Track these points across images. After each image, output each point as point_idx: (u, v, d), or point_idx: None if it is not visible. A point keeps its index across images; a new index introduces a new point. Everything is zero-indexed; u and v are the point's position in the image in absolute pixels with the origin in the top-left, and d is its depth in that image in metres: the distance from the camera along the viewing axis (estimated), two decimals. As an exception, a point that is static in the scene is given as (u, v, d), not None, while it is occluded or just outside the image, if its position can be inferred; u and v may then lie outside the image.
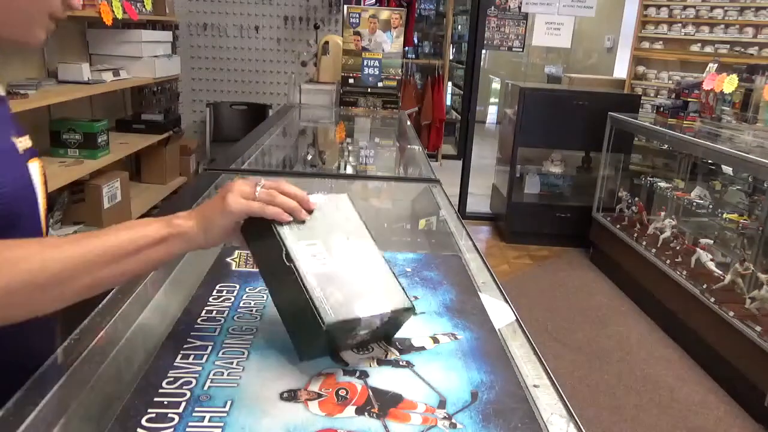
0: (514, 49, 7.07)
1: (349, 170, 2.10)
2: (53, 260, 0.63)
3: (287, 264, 0.71)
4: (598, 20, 6.25)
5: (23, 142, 0.78)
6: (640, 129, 4.02)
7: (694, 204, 3.44)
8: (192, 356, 0.71)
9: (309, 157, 2.45)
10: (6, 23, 0.70)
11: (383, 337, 0.78)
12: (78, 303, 0.67)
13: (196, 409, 0.62)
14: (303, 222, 0.75)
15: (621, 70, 5.99)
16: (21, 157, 0.75)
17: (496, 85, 9.35)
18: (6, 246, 0.62)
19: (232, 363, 0.71)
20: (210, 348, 0.74)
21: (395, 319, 0.76)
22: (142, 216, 3.45)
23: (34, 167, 0.78)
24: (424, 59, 7.41)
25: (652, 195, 4.02)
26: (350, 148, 2.45)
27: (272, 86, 5.09)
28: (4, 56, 2.88)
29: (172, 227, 0.71)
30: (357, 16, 3.11)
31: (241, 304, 0.87)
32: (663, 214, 3.64)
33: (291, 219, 0.74)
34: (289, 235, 0.73)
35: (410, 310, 0.76)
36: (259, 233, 0.75)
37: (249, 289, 0.91)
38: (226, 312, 0.83)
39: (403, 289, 0.77)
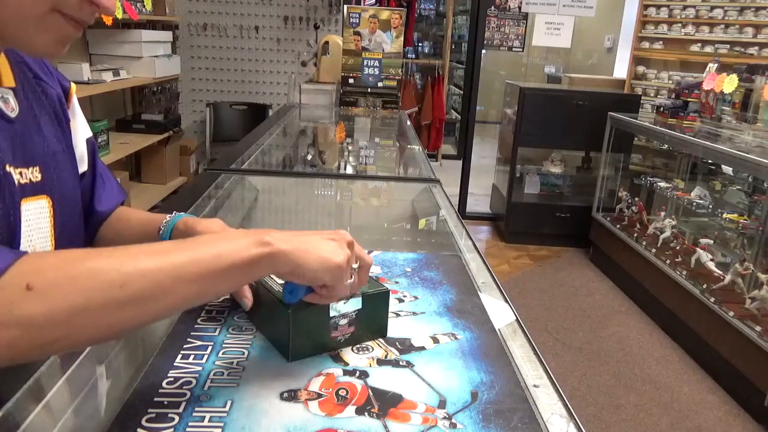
0: (514, 49, 7.07)
1: (349, 170, 2.10)
2: (134, 273, 0.53)
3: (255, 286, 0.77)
4: (598, 20, 6.25)
5: (24, 174, 0.67)
6: (640, 129, 4.02)
7: (694, 204, 3.44)
8: (192, 356, 0.71)
9: (309, 157, 2.45)
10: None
11: (373, 330, 0.78)
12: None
13: (196, 409, 0.62)
14: None
15: (621, 70, 5.99)
16: (13, 188, 0.65)
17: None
18: (86, 255, 0.53)
19: (232, 363, 0.71)
20: (210, 348, 0.74)
21: (372, 305, 0.76)
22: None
23: (34, 207, 0.68)
24: (424, 59, 7.41)
25: (652, 195, 4.02)
26: (350, 148, 2.45)
27: (272, 86, 5.10)
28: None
29: (265, 246, 0.59)
30: (357, 16, 3.11)
31: (241, 304, 0.86)
32: (663, 214, 3.64)
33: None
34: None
35: (385, 294, 0.78)
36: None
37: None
38: (226, 312, 0.83)
39: (377, 280, 0.81)
